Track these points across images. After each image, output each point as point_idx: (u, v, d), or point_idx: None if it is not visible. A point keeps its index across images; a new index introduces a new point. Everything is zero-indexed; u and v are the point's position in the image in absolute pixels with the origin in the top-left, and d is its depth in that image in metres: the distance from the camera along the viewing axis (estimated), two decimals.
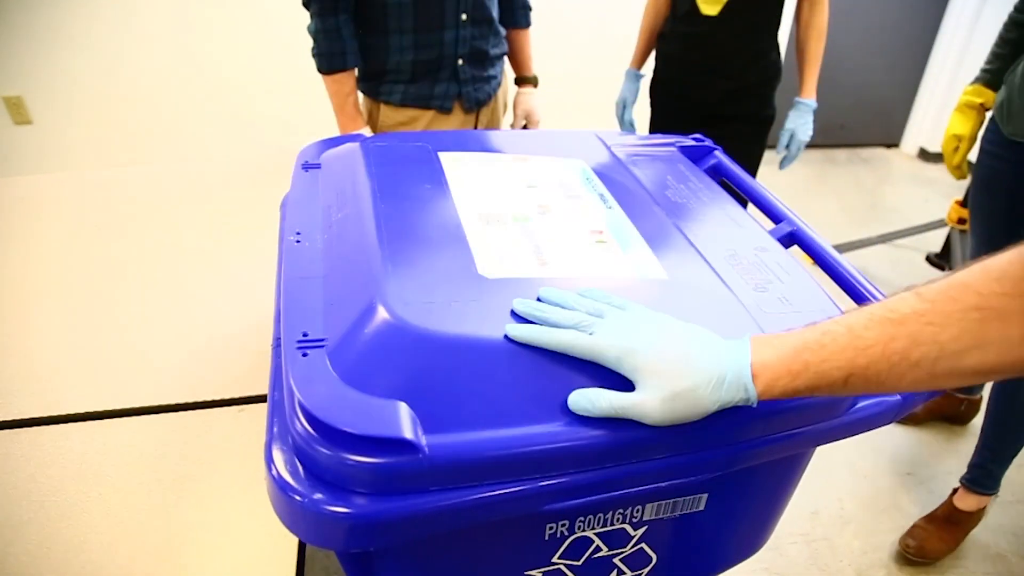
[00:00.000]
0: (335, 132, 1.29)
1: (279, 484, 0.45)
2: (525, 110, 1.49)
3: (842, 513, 1.48)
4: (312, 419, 0.44)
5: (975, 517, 1.39)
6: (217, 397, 0.84)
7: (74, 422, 0.83)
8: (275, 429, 0.50)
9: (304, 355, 0.48)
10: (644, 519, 0.58)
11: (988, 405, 1.34)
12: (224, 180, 1.38)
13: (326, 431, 0.44)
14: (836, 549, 1.40)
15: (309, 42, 1.22)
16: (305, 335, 0.50)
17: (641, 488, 0.52)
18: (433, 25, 1.24)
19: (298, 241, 0.62)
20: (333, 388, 0.46)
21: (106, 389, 0.85)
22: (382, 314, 0.49)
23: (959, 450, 1.64)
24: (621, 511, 0.56)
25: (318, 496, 0.44)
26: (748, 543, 0.70)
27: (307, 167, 0.77)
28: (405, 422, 0.43)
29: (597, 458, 0.48)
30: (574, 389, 0.48)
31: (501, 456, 0.45)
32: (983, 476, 1.35)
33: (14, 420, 0.83)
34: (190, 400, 0.84)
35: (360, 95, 1.35)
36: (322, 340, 0.50)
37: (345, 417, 0.43)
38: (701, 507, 0.59)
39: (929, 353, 0.41)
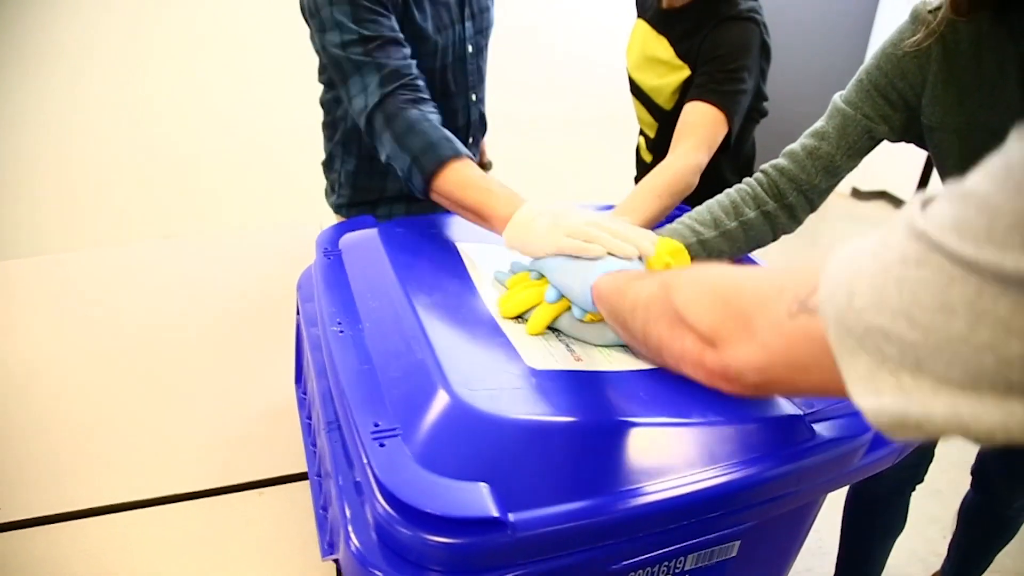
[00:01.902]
0: (299, 208, 1.31)
1: (365, 564, 0.48)
2: None
3: (820, 545, 1.56)
4: (401, 506, 0.48)
5: None
6: (235, 482, 0.85)
7: (90, 516, 0.82)
8: (347, 513, 0.53)
9: (381, 445, 0.52)
10: (685, 569, 0.63)
11: (960, 519, 1.39)
12: (211, 258, 1.38)
13: (416, 516, 0.47)
14: None
15: (275, 110, 1.23)
16: (377, 425, 0.54)
17: (689, 542, 0.58)
18: None
19: (341, 331, 0.66)
20: (417, 475, 0.49)
21: (119, 481, 0.85)
22: (453, 401, 0.53)
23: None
24: (667, 563, 0.61)
25: None
26: None
27: (328, 254, 0.81)
28: (491, 501, 0.47)
29: (659, 520, 0.53)
30: (631, 465, 0.54)
31: (575, 527, 0.50)
32: None
33: (27, 519, 0.82)
34: (207, 487, 0.84)
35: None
36: (395, 429, 0.53)
37: (436, 502, 0.47)
38: (734, 553, 0.65)
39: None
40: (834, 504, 1.63)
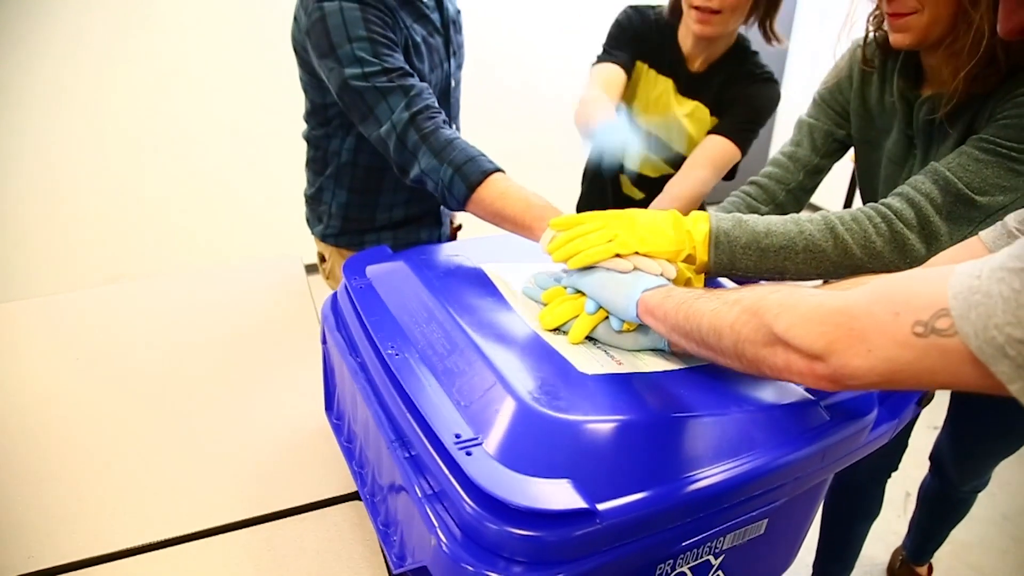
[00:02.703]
0: (277, 241, 1.34)
1: (459, 562, 0.53)
2: None
3: None
4: (497, 505, 0.53)
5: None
6: (273, 510, 0.87)
7: (129, 556, 0.82)
8: (434, 520, 0.57)
9: (468, 453, 0.57)
10: (723, 548, 0.69)
11: (919, 501, 1.55)
12: (197, 293, 1.38)
13: (512, 514, 0.52)
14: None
15: (262, 147, 1.28)
16: (458, 436, 0.59)
17: (732, 521, 0.65)
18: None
19: (396, 354, 0.70)
20: (508, 476, 0.55)
21: (146, 521, 0.85)
22: (526, 408, 0.59)
23: None
24: (709, 544, 0.67)
25: (517, 569, 0.52)
26: (784, 559, 0.83)
27: (358, 283, 0.85)
28: (579, 494, 0.53)
29: (713, 501, 0.60)
30: (686, 454, 0.61)
31: (649, 512, 0.56)
32: (920, 553, 1.62)
33: (63, 565, 0.81)
34: (247, 516, 0.86)
35: (334, 249, 1.38)
36: (476, 438, 0.58)
37: (531, 499, 0.52)
38: (762, 531, 0.72)
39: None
40: None
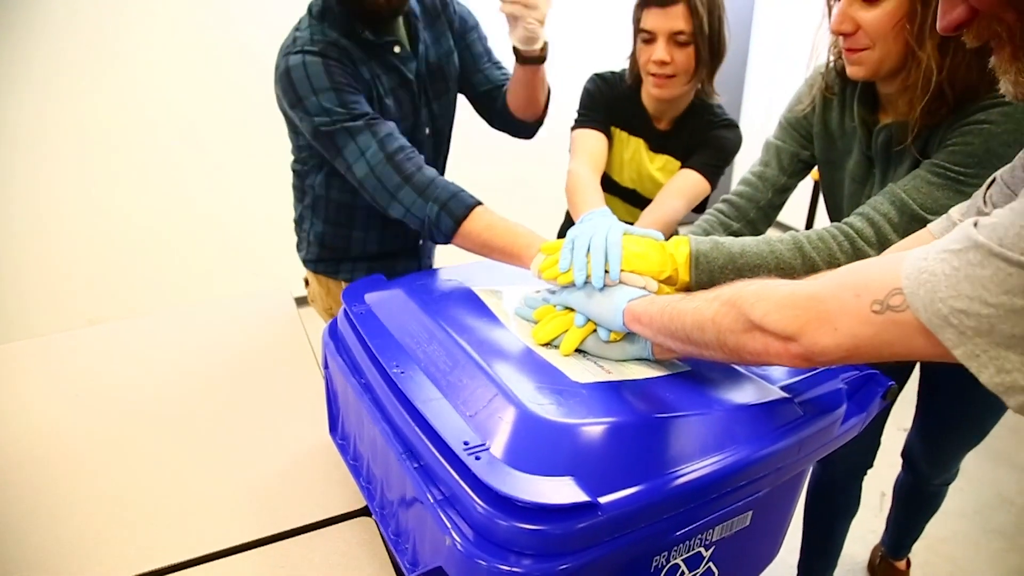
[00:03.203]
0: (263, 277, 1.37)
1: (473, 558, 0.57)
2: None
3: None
4: (507, 504, 0.58)
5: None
6: (282, 529, 0.90)
7: None
8: (446, 522, 0.62)
9: (477, 458, 0.62)
10: (713, 540, 0.75)
11: (894, 497, 1.62)
12: (190, 328, 1.41)
13: (521, 510, 0.57)
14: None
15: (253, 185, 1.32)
16: (467, 443, 0.63)
17: (719, 512, 0.70)
18: (399, 224, 1.15)
19: (402, 372, 0.75)
20: (516, 477, 0.59)
21: (168, 544, 0.87)
22: (528, 415, 0.64)
23: None
24: (700, 536, 0.73)
25: (527, 562, 0.57)
26: (768, 552, 0.89)
27: (358, 309, 0.89)
28: (581, 490, 0.58)
29: (702, 492, 0.65)
30: (675, 451, 0.66)
31: (645, 504, 0.61)
32: (898, 548, 1.69)
33: None
34: (257, 537, 0.89)
35: (313, 275, 1.43)
36: (484, 444, 0.63)
37: (538, 496, 0.57)
38: (748, 523, 0.78)
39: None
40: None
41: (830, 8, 0.96)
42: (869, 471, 1.40)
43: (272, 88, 1.18)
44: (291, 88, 1.10)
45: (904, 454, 1.50)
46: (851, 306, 0.54)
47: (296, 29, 1.16)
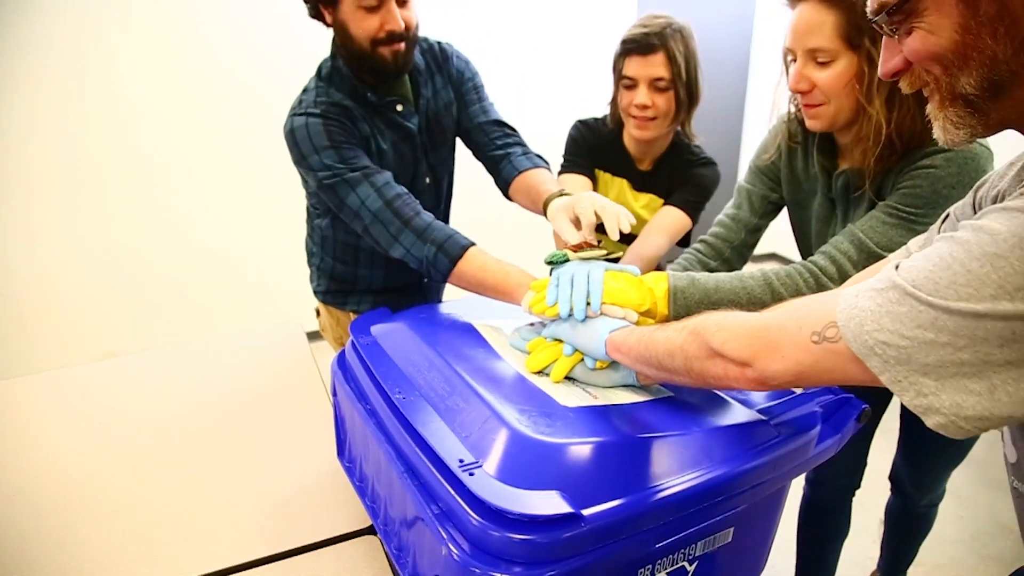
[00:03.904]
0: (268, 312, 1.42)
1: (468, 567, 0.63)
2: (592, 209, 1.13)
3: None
4: (497, 516, 0.63)
5: None
6: (290, 547, 0.95)
7: None
8: (443, 534, 0.67)
9: (471, 474, 0.67)
10: (696, 555, 0.80)
11: (886, 521, 1.66)
12: (213, 360, 1.48)
13: (510, 522, 0.63)
14: None
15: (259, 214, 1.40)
16: (462, 461, 0.69)
17: (699, 526, 0.75)
18: (402, 263, 1.20)
19: (403, 397, 0.81)
20: (506, 491, 0.65)
21: (183, 564, 0.92)
22: (519, 436, 0.70)
23: None
24: (683, 550, 0.78)
25: (517, 570, 0.62)
26: (752, 568, 0.93)
27: (365, 340, 0.96)
28: (566, 502, 0.64)
29: (681, 506, 0.71)
30: (656, 468, 0.72)
31: (625, 516, 0.67)
32: (893, 572, 1.71)
33: None
34: (266, 555, 0.93)
35: (323, 305, 1.50)
36: (477, 462, 0.69)
37: (526, 508, 0.63)
38: (729, 539, 0.82)
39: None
40: (787, 523, 1.85)
41: (787, 67, 1.05)
42: (867, 496, 1.44)
43: None
44: (295, 147, 1.20)
45: (891, 477, 1.54)
46: (795, 336, 0.61)
47: (304, 91, 1.27)
